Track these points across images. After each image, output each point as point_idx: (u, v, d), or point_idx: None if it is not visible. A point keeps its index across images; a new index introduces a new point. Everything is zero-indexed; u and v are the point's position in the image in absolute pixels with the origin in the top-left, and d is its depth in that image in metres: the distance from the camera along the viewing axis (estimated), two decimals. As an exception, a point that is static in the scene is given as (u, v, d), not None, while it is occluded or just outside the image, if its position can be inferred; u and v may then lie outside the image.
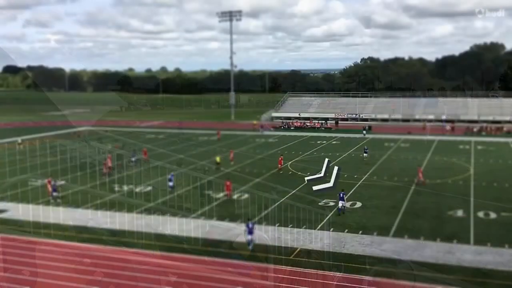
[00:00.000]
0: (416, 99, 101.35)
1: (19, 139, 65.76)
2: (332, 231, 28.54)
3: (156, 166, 49.69)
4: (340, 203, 32.16)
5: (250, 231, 26.04)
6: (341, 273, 22.50)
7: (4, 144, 66.79)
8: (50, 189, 36.82)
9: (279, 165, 47.43)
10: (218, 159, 48.82)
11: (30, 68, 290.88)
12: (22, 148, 62.73)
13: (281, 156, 49.16)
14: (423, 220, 30.57)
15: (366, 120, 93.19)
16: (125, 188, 39.96)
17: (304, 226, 29.39)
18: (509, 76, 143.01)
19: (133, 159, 51.06)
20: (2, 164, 51.83)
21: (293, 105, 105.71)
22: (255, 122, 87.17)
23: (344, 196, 32.47)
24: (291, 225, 29.61)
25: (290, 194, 37.28)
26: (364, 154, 53.39)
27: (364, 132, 74.25)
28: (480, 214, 31.70)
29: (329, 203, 34.42)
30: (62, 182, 41.73)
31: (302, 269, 23.04)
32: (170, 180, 39.54)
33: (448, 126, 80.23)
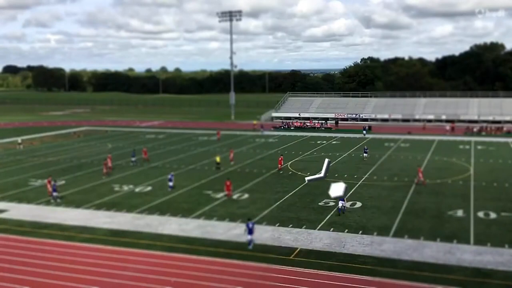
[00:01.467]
0: (416, 99, 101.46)
1: (19, 139, 65.78)
2: (332, 231, 28.56)
3: (156, 166, 49.76)
4: (340, 203, 32.11)
5: (250, 231, 26.03)
6: (341, 273, 22.52)
7: (4, 144, 66.79)
8: (50, 189, 36.83)
9: (279, 165, 47.38)
10: (218, 159, 48.70)
11: (30, 68, 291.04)
12: (23, 148, 62.77)
13: (281, 156, 49.10)
14: (423, 220, 30.57)
15: (366, 120, 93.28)
16: (125, 188, 39.95)
17: (304, 226, 29.40)
18: (509, 76, 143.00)
19: (133, 159, 51.09)
20: (3, 164, 51.86)
21: (293, 105, 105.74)
22: (255, 122, 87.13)
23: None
24: (291, 225, 29.62)
25: (290, 194, 37.28)
26: (364, 154, 53.50)
27: (364, 132, 74.25)
28: (480, 214, 31.70)
29: (329, 203, 34.43)
30: (63, 182, 41.77)
31: (302, 269, 23.05)
32: (170, 180, 39.61)
33: (447, 127, 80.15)
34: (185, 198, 36.45)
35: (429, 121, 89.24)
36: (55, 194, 36.02)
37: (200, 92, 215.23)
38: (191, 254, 25.14)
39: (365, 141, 66.76)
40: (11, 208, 34.31)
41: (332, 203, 34.17)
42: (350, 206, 33.68)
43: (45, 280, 22.23)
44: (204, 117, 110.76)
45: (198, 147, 62.78)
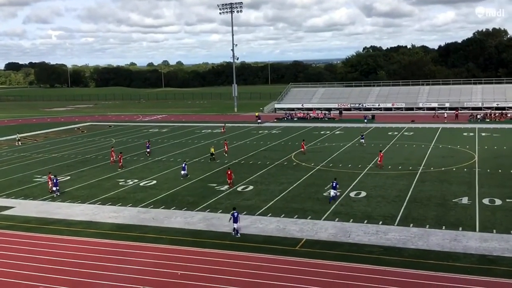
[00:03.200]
0: (419, 87, 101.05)
1: (17, 136, 65.71)
2: (337, 221, 28.59)
3: (161, 159, 49.85)
4: (332, 192, 32.43)
5: (235, 220, 26.38)
6: (347, 263, 22.57)
7: (8, 141, 66.86)
8: (50, 184, 37.09)
9: (303, 149, 51.06)
10: (212, 149, 49.71)
11: (32, 64, 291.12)
12: (20, 145, 62.88)
13: (304, 141, 53.22)
14: (428, 208, 30.55)
15: (369, 109, 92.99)
16: (130, 182, 40.02)
17: (309, 217, 29.43)
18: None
19: (148, 150, 52.64)
20: (8, 161, 52.05)
21: (296, 95, 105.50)
22: (257, 114, 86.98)
23: (337, 185, 32.93)
24: (296, 216, 29.65)
25: (294, 185, 37.29)
26: (361, 140, 54.88)
27: (366, 120, 74.16)
28: (485, 201, 31.64)
29: (333, 193, 34.45)
30: (68, 177, 41.90)
31: (307, 259, 23.10)
32: (183, 169, 40.51)
33: (445, 114, 79.93)
34: (190, 191, 36.52)
35: (433, 109, 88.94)
36: (55, 188, 36.39)
37: (203, 85, 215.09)
38: (197, 246, 25.22)
39: (369, 130, 66.59)
40: (17, 204, 34.48)
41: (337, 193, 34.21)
42: (355, 195, 33.71)
43: (52, 275, 22.36)
44: (207, 110, 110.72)
45: (202, 140, 62.81)
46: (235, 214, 26.54)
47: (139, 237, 26.99)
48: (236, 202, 33.07)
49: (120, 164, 46.09)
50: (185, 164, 41.54)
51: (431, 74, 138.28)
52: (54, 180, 36.77)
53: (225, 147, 52.34)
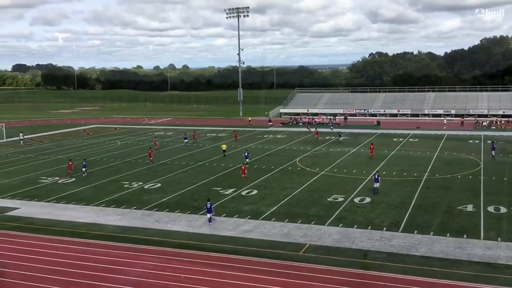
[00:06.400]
0: (425, 93, 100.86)
1: (20, 135, 66.60)
2: (341, 226, 28.52)
3: (165, 162, 49.94)
4: (376, 184, 35.51)
5: (209, 210, 28.93)
6: (350, 269, 22.50)
7: (14, 142, 67.17)
8: (70, 169, 43.68)
9: (316, 135, 63.77)
10: (224, 146, 53.58)
11: (39, 66, 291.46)
12: (23, 144, 63.39)
13: (317, 130, 65.64)
14: (433, 215, 30.44)
15: (374, 115, 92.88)
16: (135, 185, 40.10)
17: (313, 222, 29.38)
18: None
19: (185, 140, 61.70)
20: (13, 162, 52.27)
21: (301, 100, 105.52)
22: (250, 118, 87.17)
23: (379, 177, 35.86)
24: (300, 221, 29.61)
25: (298, 190, 37.26)
26: (340, 138, 63.07)
27: (332, 127, 75.60)
28: (490, 208, 31.49)
29: (337, 198, 34.40)
30: (73, 179, 42.07)
31: (311, 265, 23.05)
32: (246, 157, 47.57)
33: (445, 121, 79.75)
34: (194, 195, 36.53)
35: (438, 115, 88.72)
36: (84, 169, 43.43)
37: (208, 89, 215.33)
38: (200, 250, 25.23)
39: (374, 136, 66.50)
40: (23, 205, 34.62)
41: (341, 199, 34.15)
42: (359, 201, 33.64)
43: (56, 277, 22.42)
44: (212, 113, 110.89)
45: (207, 144, 62.90)
46: (208, 205, 29.09)
47: (143, 240, 27.03)
48: (240, 206, 33.11)
49: (151, 158, 49.65)
50: (248, 153, 48.66)
51: (437, 80, 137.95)
52: (83, 163, 43.95)
53: (235, 136, 64.42)
